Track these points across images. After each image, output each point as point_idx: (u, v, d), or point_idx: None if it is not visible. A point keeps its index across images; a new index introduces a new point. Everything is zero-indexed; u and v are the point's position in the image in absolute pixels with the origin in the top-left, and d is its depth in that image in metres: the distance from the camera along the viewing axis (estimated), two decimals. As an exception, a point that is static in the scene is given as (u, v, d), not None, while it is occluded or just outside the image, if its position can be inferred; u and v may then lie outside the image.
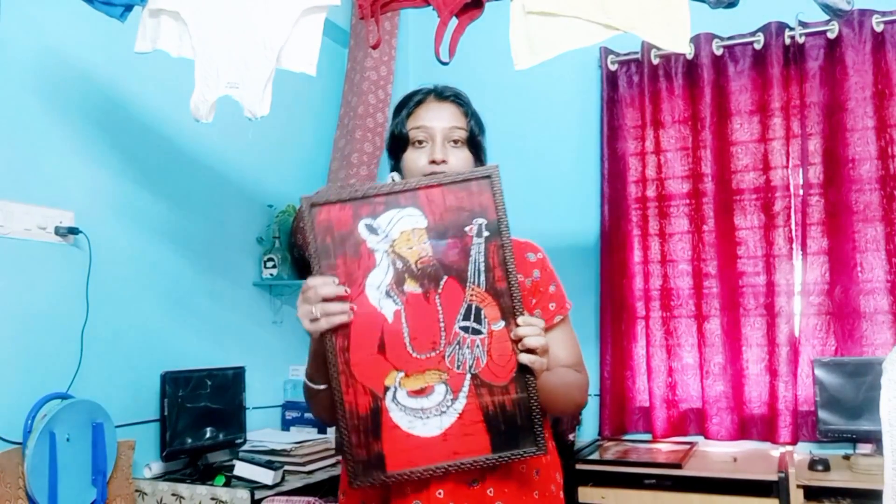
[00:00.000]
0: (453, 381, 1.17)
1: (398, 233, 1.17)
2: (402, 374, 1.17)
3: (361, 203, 1.18)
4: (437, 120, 1.34)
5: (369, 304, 1.17)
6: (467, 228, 1.18)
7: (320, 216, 1.17)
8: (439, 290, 1.17)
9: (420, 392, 1.17)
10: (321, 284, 1.15)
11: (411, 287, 1.17)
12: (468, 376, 1.17)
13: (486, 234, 1.18)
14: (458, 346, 1.17)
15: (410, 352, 1.17)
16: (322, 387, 1.22)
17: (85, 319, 2.39)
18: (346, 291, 1.16)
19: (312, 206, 1.17)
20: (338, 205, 1.18)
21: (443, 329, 1.17)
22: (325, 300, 1.14)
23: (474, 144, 1.37)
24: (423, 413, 1.16)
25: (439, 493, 1.23)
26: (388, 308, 1.17)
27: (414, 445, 1.16)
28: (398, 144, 1.36)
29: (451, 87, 1.40)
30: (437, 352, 1.17)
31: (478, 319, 1.17)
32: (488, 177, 1.19)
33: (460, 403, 1.16)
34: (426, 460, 1.16)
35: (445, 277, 1.17)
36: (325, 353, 1.17)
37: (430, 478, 1.21)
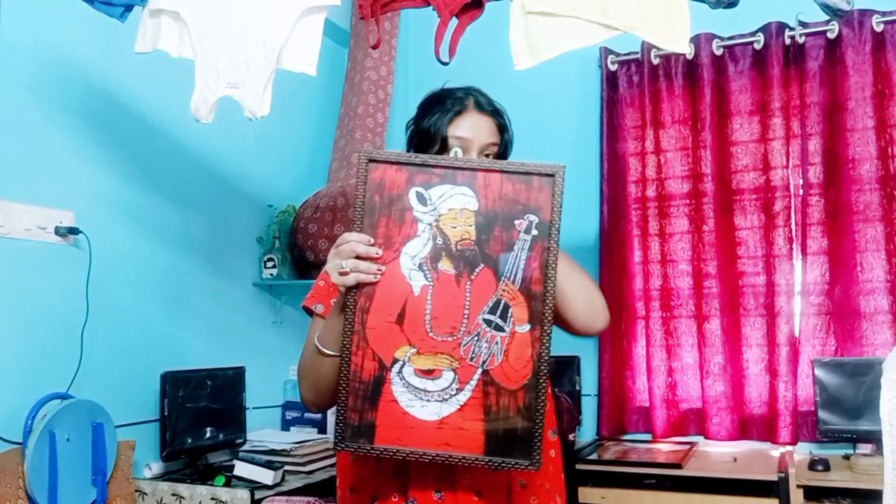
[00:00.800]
0: (463, 371, 1.13)
1: (447, 209, 1.14)
2: (413, 351, 1.13)
3: (418, 170, 1.14)
4: (477, 132, 1.34)
5: (400, 271, 1.14)
6: (517, 222, 1.14)
7: (374, 173, 1.14)
8: (472, 277, 1.14)
9: (427, 373, 1.13)
10: (357, 241, 1.13)
11: (445, 266, 1.14)
12: (479, 370, 1.13)
13: (534, 232, 1.14)
14: (476, 338, 1.13)
15: (428, 330, 1.13)
16: (331, 353, 1.18)
17: (85, 319, 2.39)
18: (377, 253, 1.13)
19: (370, 161, 1.14)
20: (394, 166, 1.14)
21: (465, 316, 1.13)
22: (357, 258, 1.13)
23: (505, 158, 1.38)
24: (425, 395, 1.13)
25: (466, 481, 1.23)
26: (417, 281, 1.14)
27: (407, 424, 1.13)
28: (430, 143, 1.34)
29: (491, 100, 1.40)
30: (455, 338, 1.13)
31: (503, 316, 1.13)
32: (552, 175, 1.16)
33: (464, 395, 1.13)
34: (416, 443, 1.13)
35: (481, 266, 1.14)
36: (344, 309, 1.14)
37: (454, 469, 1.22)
